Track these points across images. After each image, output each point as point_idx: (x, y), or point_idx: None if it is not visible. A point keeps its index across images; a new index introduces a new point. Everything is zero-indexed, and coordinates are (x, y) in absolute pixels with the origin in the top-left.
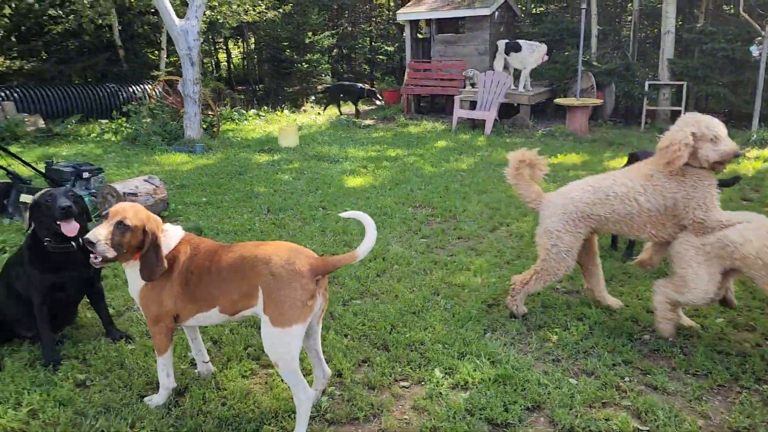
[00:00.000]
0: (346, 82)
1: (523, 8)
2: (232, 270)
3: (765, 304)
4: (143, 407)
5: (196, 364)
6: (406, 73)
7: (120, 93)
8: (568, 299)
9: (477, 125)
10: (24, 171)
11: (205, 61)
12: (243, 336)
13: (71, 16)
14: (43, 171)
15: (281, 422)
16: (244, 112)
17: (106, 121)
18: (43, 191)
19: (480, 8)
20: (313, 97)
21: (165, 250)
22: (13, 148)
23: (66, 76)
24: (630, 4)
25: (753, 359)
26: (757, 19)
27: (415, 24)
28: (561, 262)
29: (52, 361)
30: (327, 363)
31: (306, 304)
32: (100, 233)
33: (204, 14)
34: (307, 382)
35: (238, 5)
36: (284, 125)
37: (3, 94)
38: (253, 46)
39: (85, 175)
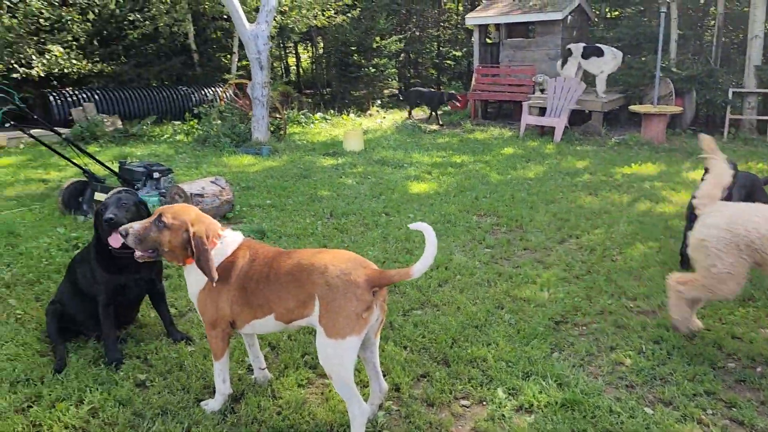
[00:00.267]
0: (424, 88)
1: (597, 12)
2: (289, 277)
3: None
4: (199, 412)
5: (252, 370)
6: (473, 78)
7: (193, 95)
8: (644, 320)
9: (546, 132)
10: (99, 170)
11: (275, 65)
12: (301, 343)
13: (148, 21)
14: (117, 170)
15: None
16: (311, 115)
17: (179, 122)
18: (112, 192)
19: (552, 12)
20: (378, 101)
21: (221, 256)
22: (92, 147)
23: (144, 79)
24: (713, 8)
25: None
26: None
27: (483, 28)
28: (723, 282)
29: (114, 359)
30: (384, 376)
31: (361, 316)
32: (134, 226)
33: (274, 19)
34: (364, 395)
35: (308, 10)
36: (350, 129)
37: (85, 95)
38: (321, 51)
39: (156, 175)
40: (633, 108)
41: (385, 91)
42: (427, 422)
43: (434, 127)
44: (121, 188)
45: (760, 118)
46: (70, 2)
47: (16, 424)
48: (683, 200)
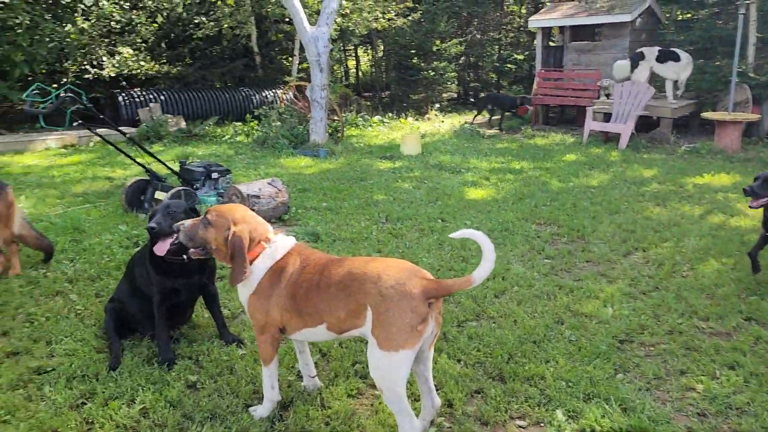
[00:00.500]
0: (499, 93)
1: (668, 14)
2: (340, 286)
3: None
4: (247, 418)
5: (302, 377)
6: (535, 82)
7: (254, 97)
8: (717, 342)
9: (611, 139)
10: (161, 169)
11: (334, 67)
12: (352, 351)
13: (213, 24)
14: (177, 170)
15: None
16: (369, 118)
17: (240, 123)
18: (172, 192)
19: (620, 14)
20: (437, 105)
21: (270, 260)
22: (156, 147)
23: (207, 81)
24: None
25: None
26: None
27: (547, 31)
28: None
29: (167, 359)
30: (437, 390)
31: (416, 329)
32: (185, 224)
33: (335, 22)
34: (415, 410)
35: (369, 13)
36: (407, 133)
37: (151, 96)
38: (380, 54)
39: (214, 175)
40: (706, 115)
41: (444, 95)
42: None
43: (494, 131)
44: (180, 188)
45: None
46: (140, 5)
47: (69, 421)
48: (759, 214)
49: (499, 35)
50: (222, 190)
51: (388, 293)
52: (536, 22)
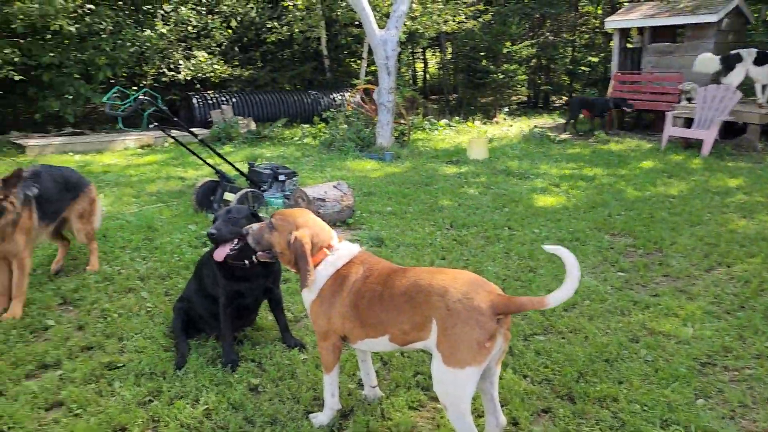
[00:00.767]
0: (589, 96)
1: (756, 14)
2: (405, 298)
3: None
4: (308, 425)
5: (363, 386)
6: (610, 86)
7: (322, 100)
8: None
9: (692, 145)
10: (231, 170)
11: (402, 70)
12: (414, 361)
13: (284, 28)
14: (246, 172)
15: None
16: (435, 121)
17: (308, 125)
18: (240, 193)
19: (705, 14)
20: (506, 109)
21: (332, 267)
22: (227, 148)
23: (278, 83)
24: None
25: None
26: None
27: (624, 33)
28: None
29: (230, 361)
30: (501, 407)
31: (483, 345)
32: (253, 227)
33: (404, 25)
34: (478, 426)
35: (438, 15)
36: (474, 137)
37: (224, 98)
38: (449, 56)
39: (281, 177)
40: None
41: (514, 98)
42: None
43: (565, 136)
44: (247, 189)
45: None
46: (216, 11)
47: (136, 418)
48: None
49: (573, 36)
50: (288, 193)
51: (455, 307)
52: (613, 22)
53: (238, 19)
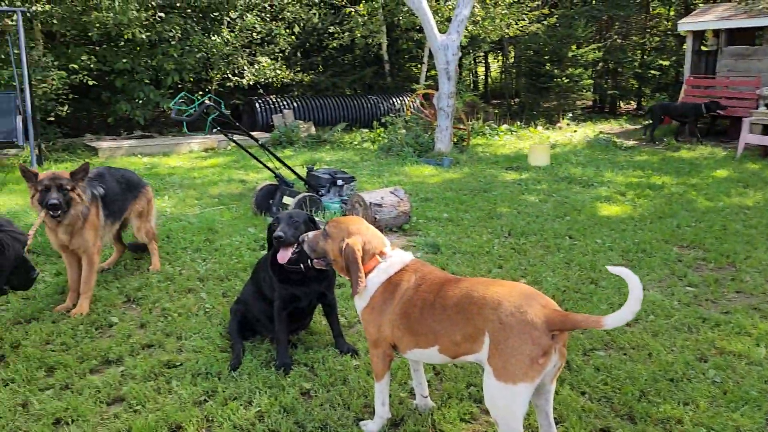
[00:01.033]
0: (675, 102)
1: None
2: (457, 309)
3: None
4: None
5: (415, 395)
6: (682, 90)
7: (382, 104)
8: None
9: None
10: (290, 174)
11: (463, 74)
12: (467, 372)
13: (346, 33)
14: (304, 176)
15: None
16: (496, 126)
17: (367, 130)
18: (298, 197)
19: None
20: (570, 114)
21: (384, 274)
22: (287, 152)
23: (338, 88)
24: None
25: None
26: None
27: (699, 35)
28: None
29: (284, 364)
30: (557, 425)
31: (537, 362)
32: (309, 235)
33: (466, 29)
34: None
35: (501, 19)
36: (536, 142)
37: (285, 102)
38: (511, 60)
39: (339, 182)
40: None
41: (578, 103)
42: None
43: (632, 142)
44: (306, 193)
45: None
46: (280, 17)
47: (192, 417)
48: None
49: (643, 39)
50: (346, 197)
51: (508, 321)
52: (687, 24)
53: (301, 24)
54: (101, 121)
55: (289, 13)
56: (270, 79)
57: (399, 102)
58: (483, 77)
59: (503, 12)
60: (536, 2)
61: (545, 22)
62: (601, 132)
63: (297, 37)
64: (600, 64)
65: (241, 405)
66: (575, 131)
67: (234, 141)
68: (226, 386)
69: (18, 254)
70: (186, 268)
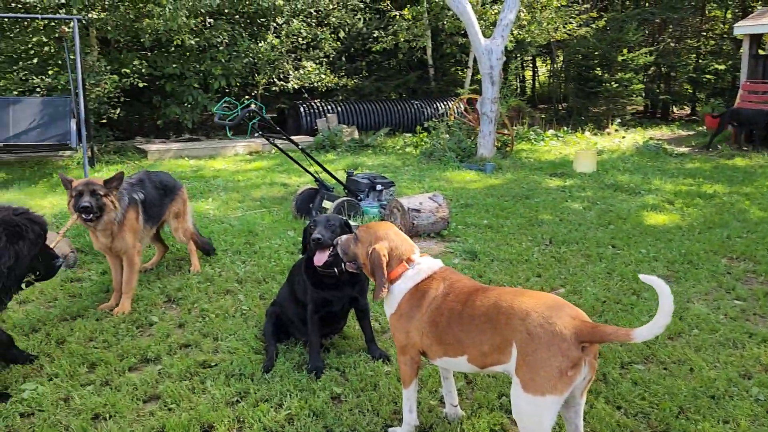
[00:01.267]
0: (747, 108)
1: None
2: (485, 319)
3: None
4: None
5: (444, 403)
6: (738, 96)
7: (425, 109)
8: None
9: None
10: (331, 179)
11: (510, 78)
12: (499, 382)
13: (390, 37)
14: (344, 181)
15: None
16: (542, 132)
17: (410, 135)
18: (337, 201)
19: None
20: (618, 120)
21: (411, 281)
22: (330, 155)
23: (382, 93)
24: None
25: None
26: None
27: (756, 38)
28: None
29: (315, 368)
30: None
31: (565, 374)
32: (341, 238)
33: (511, 33)
34: None
35: (548, 23)
36: (582, 148)
37: (329, 107)
38: (560, 65)
39: (379, 187)
40: None
41: (628, 108)
42: None
43: (684, 149)
44: (345, 198)
45: None
46: (325, 22)
47: (223, 417)
48: None
49: (698, 43)
50: (385, 202)
51: (536, 332)
52: (744, 27)
53: (347, 29)
54: (151, 124)
55: (334, 19)
56: (314, 84)
57: (443, 106)
58: (531, 81)
59: (550, 16)
60: (585, 5)
61: (594, 26)
62: (651, 138)
63: (342, 42)
64: (652, 68)
65: (271, 407)
66: (624, 137)
67: (275, 145)
68: (258, 388)
69: (38, 237)
70: (225, 270)
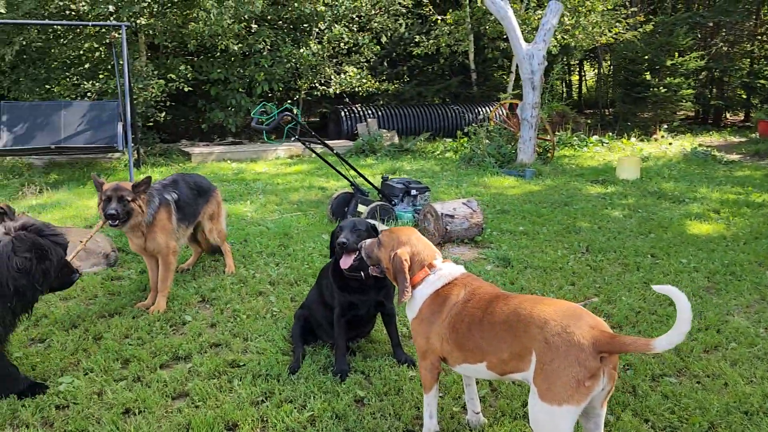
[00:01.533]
0: None
1: None
2: (505, 326)
3: None
4: None
5: (467, 410)
6: None
7: (466, 114)
8: None
9: None
10: (365, 183)
11: (555, 83)
12: (525, 390)
13: (432, 42)
14: (379, 185)
15: None
16: (586, 137)
17: (450, 140)
18: (371, 206)
19: None
20: (665, 126)
21: (431, 287)
22: (369, 160)
23: (423, 97)
24: None
25: None
26: None
27: None
28: None
29: (341, 371)
30: None
31: (583, 384)
32: (366, 242)
33: (555, 38)
34: None
35: (593, 28)
36: (626, 154)
37: (370, 111)
38: (607, 70)
39: (413, 192)
40: None
41: (677, 114)
42: None
43: (735, 156)
44: (378, 202)
45: None
46: (367, 28)
47: (247, 416)
48: None
49: (752, 47)
50: (419, 207)
51: (554, 341)
52: None
53: (388, 34)
54: (196, 128)
55: (376, 24)
56: (355, 89)
57: (484, 111)
58: (577, 86)
59: (595, 20)
60: (632, 9)
61: (641, 30)
62: (700, 144)
63: (383, 47)
64: (703, 72)
65: (295, 408)
66: (671, 143)
67: (311, 149)
68: (283, 388)
69: (61, 258)
70: (259, 272)
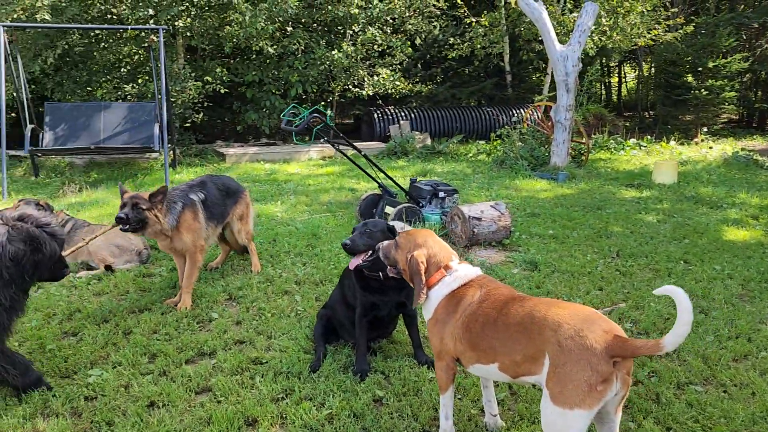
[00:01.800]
0: None
1: None
2: (519, 328)
3: None
4: None
5: (485, 413)
6: None
7: (500, 116)
8: None
9: None
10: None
11: (594, 86)
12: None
13: (466, 44)
14: (407, 187)
15: None
16: (622, 141)
17: (483, 142)
18: (398, 207)
19: None
20: (705, 129)
21: (446, 288)
22: (401, 162)
23: (457, 99)
24: None
25: None
26: None
27: None
28: None
29: (361, 370)
30: None
31: (595, 388)
32: (383, 244)
33: (591, 40)
34: None
35: (631, 29)
36: (664, 158)
37: (403, 113)
38: (647, 72)
39: (441, 194)
40: None
41: (720, 117)
42: None
43: None
44: (405, 204)
45: None
46: (401, 30)
47: (267, 413)
48: None
49: None
50: (447, 209)
51: (566, 345)
52: None
53: (422, 37)
54: (232, 129)
55: (410, 26)
56: (389, 91)
57: (519, 114)
58: (616, 88)
59: (634, 21)
60: (673, 10)
61: (682, 31)
62: (742, 148)
63: (417, 49)
64: (748, 75)
65: (314, 406)
66: (711, 147)
67: (340, 151)
68: (303, 386)
69: (55, 252)
70: (286, 271)
